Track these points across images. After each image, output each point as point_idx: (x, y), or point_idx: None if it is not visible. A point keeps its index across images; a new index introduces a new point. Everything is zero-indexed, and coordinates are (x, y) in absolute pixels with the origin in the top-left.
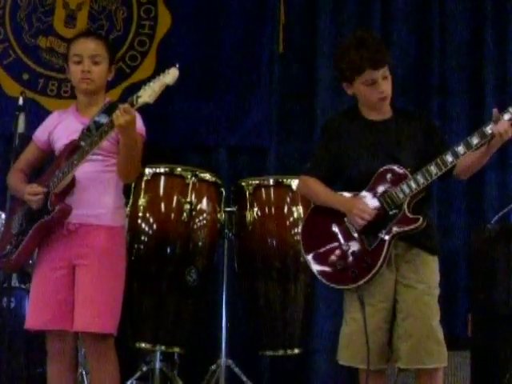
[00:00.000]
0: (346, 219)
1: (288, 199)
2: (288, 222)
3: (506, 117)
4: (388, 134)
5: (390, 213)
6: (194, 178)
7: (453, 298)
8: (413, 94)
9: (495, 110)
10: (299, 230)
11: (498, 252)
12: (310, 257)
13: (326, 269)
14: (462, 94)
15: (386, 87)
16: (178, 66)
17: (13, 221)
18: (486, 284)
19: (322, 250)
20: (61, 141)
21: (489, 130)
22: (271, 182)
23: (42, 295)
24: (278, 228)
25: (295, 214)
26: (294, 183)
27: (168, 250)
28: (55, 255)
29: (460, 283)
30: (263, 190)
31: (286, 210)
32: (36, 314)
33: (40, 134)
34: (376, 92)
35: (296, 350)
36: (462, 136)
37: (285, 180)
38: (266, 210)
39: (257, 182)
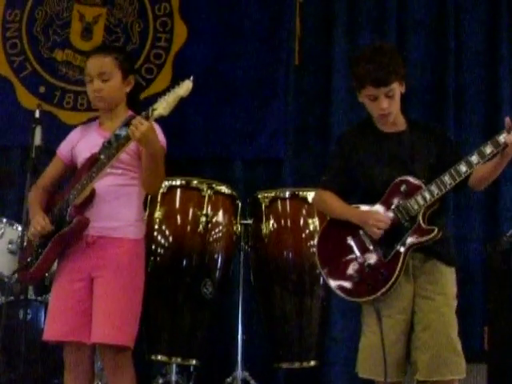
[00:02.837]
0: (361, 232)
1: (304, 211)
2: (304, 235)
3: None
4: (402, 146)
5: (405, 224)
6: (210, 191)
7: (469, 310)
8: (428, 105)
9: (507, 119)
10: (315, 243)
11: None
12: (325, 270)
13: (342, 282)
14: (478, 105)
15: (388, 105)
16: (192, 78)
17: None
18: (503, 296)
19: (337, 263)
20: (83, 155)
21: (502, 138)
22: (287, 194)
23: (60, 307)
24: (293, 240)
25: (311, 227)
26: (310, 195)
27: (184, 263)
28: (74, 267)
29: (476, 295)
30: (279, 202)
31: (301, 222)
32: (54, 326)
33: (63, 148)
34: (377, 108)
35: (312, 363)
36: (477, 146)
37: (301, 192)
38: (282, 223)
39: (273, 194)
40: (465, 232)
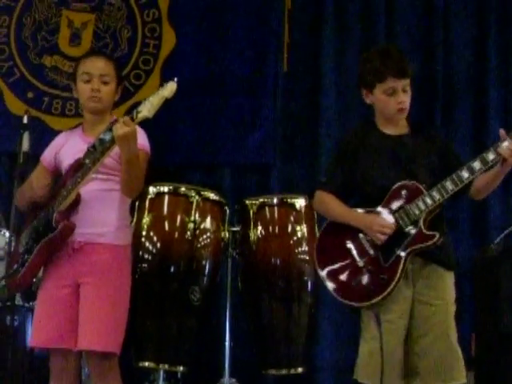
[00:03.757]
0: (360, 235)
1: (292, 218)
2: (292, 241)
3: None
4: (404, 150)
5: (406, 229)
6: (197, 197)
7: (456, 317)
8: (416, 113)
9: (502, 131)
10: (303, 249)
11: (501, 271)
12: (324, 274)
13: (341, 286)
14: (466, 114)
15: (406, 99)
16: (176, 79)
17: (21, 240)
18: (490, 303)
19: (336, 266)
20: (67, 161)
21: (505, 146)
22: (275, 200)
23: (46, 313)
24: (281, 247)
25: (299, 233)
26: (298, 202)
27: (172, 269)
28: (60, 273)
29: (464, 302)
30: (267, 208)
31: (289, 229)
32: (40, 332)
33: (47, 154)
34: (395, 102)
35: (299, 369)
36: (465, 154)
37: (289, 199)
38: (270, 229)
39: (261, 200)
40: (453, 239)
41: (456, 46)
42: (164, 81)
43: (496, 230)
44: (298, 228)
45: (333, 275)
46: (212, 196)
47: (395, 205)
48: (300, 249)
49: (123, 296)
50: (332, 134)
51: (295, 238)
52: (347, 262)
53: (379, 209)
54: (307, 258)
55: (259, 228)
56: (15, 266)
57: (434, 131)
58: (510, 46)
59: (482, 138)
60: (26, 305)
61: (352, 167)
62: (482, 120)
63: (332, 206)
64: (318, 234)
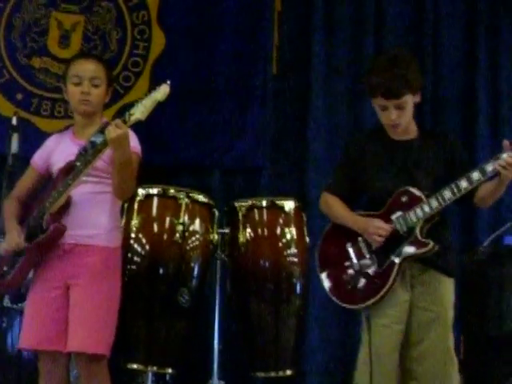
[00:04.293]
0: (359, 239)
1: (281, 221)
2: (281, 244)
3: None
4: (409, 155)
5: (403, 235)
6: (186, 199)
7: None
8: None
9: (506, 142)
10: (292, 251)
11: (490, 274)
12: (323, 274)
13: (337, 287)
14: (455, 115)
15: (397, 117)
16: (169, 82)
17: None
18: (478, 306)
19: (334, 268)
20: (58, 164)
21: (504, 157)
22: (264, 203)
23: (36, 315)
24: (270, 249)
25: (288, 236)
26: (287, 205)
27: (160, 271)
28: (51, 275)
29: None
30: (256, 211)
31: (278, 231)
32: (29, 334)
33: (38, 158)
34: (386, 118)
35: (288, 372)
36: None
37: (278, 201)
38: (259, 232)
39: (250, 203)
40: None
41: (445, 52)
42: (154, 83)
43: (484, 233)
44: (287, 230)
45: (330, 276)
46: (201, 198)
47: (395, 210)
48: (289, 251)
49: (113, 298)
50: (321, 137)
51: (284, 241)
52: (345, 264)
53: (378, 214)
54: (296, 260)
55: (248, 230)
56: (5, 268)
57: (444, 134)
58: (498, 54)
59: (471, 144)
60: (15, 306)
61: (356, 173)
62: (471, 127)
63: (335, 208)
64: (307, 236)
